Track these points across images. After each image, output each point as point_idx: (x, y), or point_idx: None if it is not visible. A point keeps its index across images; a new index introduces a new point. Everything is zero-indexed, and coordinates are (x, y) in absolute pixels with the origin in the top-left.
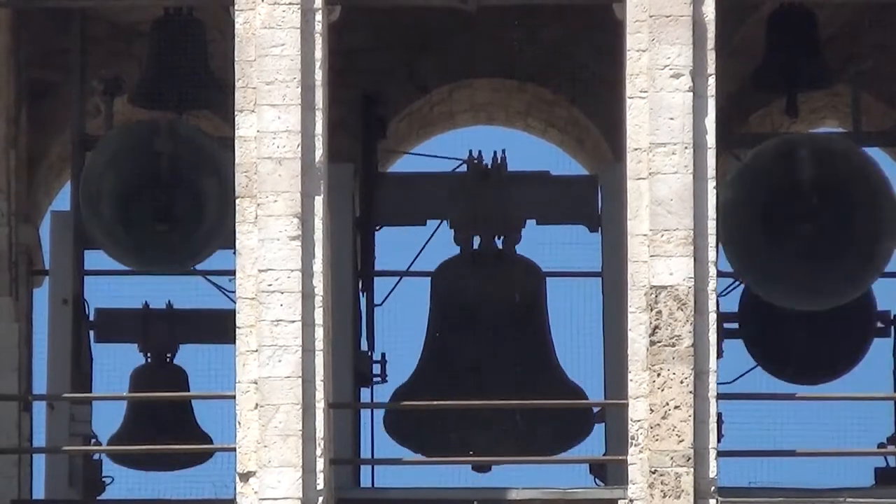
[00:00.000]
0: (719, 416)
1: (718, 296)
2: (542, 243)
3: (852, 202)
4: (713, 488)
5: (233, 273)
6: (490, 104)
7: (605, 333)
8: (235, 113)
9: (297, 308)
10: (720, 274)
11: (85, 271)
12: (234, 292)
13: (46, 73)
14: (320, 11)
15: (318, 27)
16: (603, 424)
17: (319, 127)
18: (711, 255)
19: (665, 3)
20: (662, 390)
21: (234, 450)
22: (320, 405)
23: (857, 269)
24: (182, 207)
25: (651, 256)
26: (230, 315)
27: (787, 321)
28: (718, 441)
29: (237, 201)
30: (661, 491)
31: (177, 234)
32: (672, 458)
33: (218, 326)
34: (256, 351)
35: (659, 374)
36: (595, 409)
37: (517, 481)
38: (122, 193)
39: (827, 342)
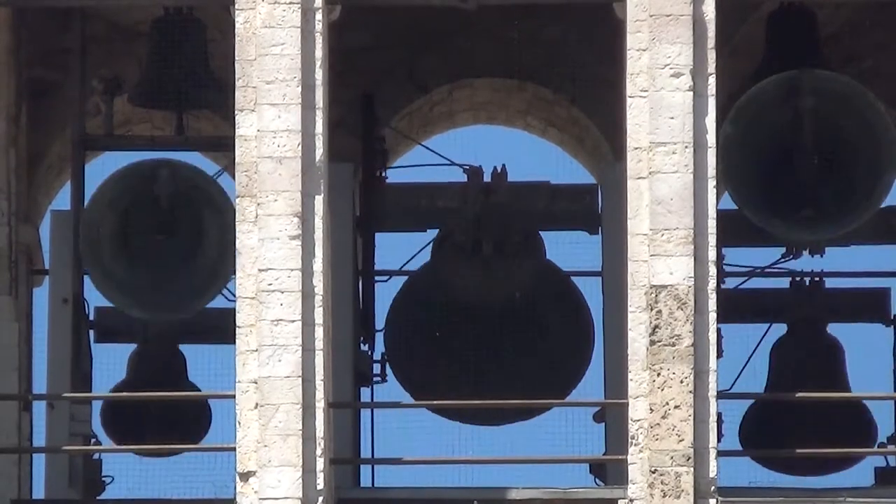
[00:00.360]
0: (719, 415)
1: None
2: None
3: (852, 139)
4: (713, 488)
5: (233, 273)
6: (490, 104)
7: (605, 333)
8: (236, 112)
9: (297, 308)
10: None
11: (85, 271)
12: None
13: (46, 72)
14: (320, 11)
15: (319, 26)
16: (603, 424)
17: (320, 126)
18: (711, 254)
19: (665, 2)
20: (662, 390)
21: (234, 449)
22: (320, 405)
23: (857, 202)
24: (183, 251)
25: (651, 256)
26: (230, 314)
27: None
28: (718, 441)
29: (237, 200)
30: (661, 490)
31: (179, 280)
32: (672, 458)
33: (218, 326)
34: (256, 350)
35: (659, 374)
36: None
37: (517, 481)
38: (122, 239)
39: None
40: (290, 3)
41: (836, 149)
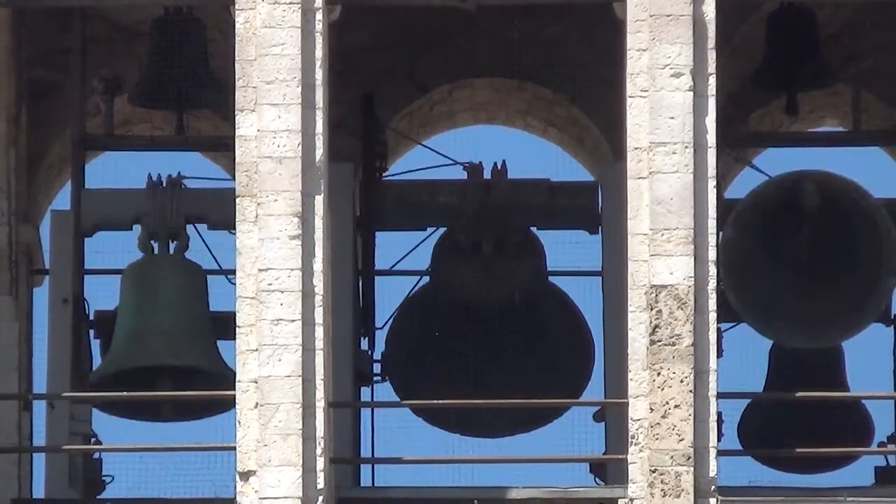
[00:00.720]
0: (719, 415)
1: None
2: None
3: (854, 240)
4: (713, 487)
5: (233, 272)
6: (490, 104)
7: (606, 332)
8: (236, 112)
9: (298, 307)
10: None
11: (85, 271)
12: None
13: (46, 72)
14: (320, 11)
15: (319, 26)
16: (603, 424)
17: (320, 126)
18: (711, 254)
19: (665, 2)
20: (662, 389)
21: (234, 449)
22: (320, 404)
23: (857, 306)
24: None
25: (651, 256)
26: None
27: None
28: (718, 440)
29: (237, 200)
30: (661, 490)
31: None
32: (672, 458)
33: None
34: (256, 350)
35: (659, 374)
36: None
37: (517, 481)
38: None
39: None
40: (290, 3)
41: (837, 253)
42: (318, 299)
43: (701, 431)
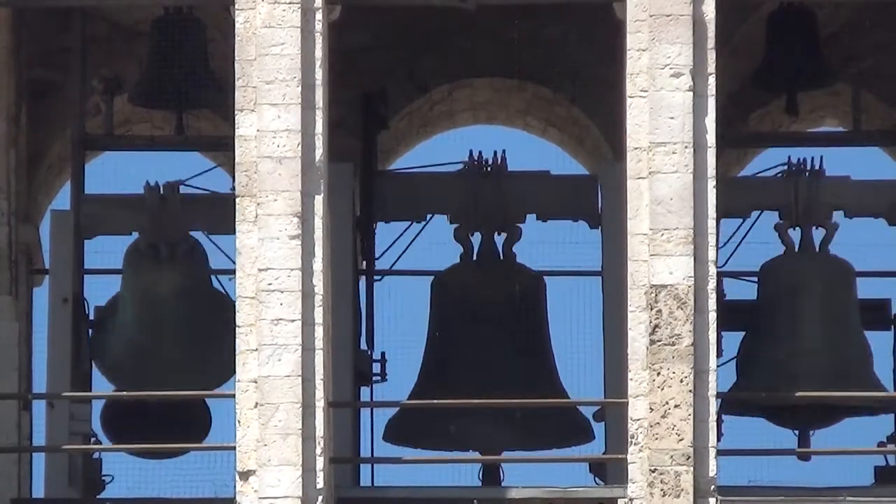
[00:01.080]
0: (719, 415)
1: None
2: (542, 242)
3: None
4: (713, 487)
5: (233, 272)
6: (490, 103)
7: (605, 332)
8: (235, 112)
9: (297, 307)
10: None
11: (85, 270)
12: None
13: (46, 72)
14: (320, 11)
15: (319, 26)
16: (603, 423)
17: (319, 126)
18: (711, 254)
19: (665, 2)
20: (662, 389)
21: (234, 448)
22: (320, 404)
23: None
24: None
25: (651, 255)
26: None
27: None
28: (718, 440)
29: (237, 200)
30: (661, 490)
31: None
32: (672, 457)
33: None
34: (256, 350)
35: (659, 373)
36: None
37: (517, 480)
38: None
39: None
40: (290, 3)
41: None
42: (318, 299)
43: (701, 431)
